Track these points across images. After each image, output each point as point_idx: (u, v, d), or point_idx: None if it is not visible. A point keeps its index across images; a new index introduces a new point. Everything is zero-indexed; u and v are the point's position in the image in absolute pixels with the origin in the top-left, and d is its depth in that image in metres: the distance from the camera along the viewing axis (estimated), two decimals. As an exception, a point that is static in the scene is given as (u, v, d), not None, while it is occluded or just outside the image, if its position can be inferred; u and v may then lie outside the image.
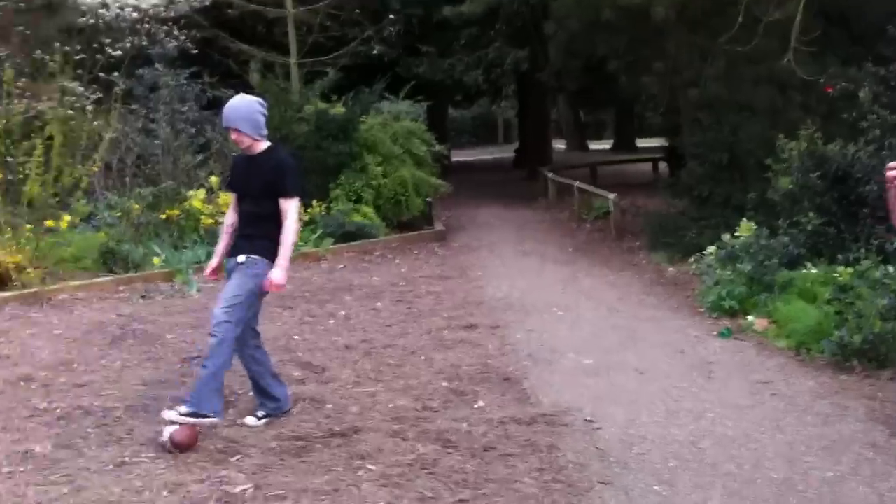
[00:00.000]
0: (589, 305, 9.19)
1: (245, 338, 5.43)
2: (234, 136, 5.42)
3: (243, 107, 5.42)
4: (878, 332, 6.40)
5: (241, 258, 5.34)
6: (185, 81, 13.80)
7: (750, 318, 7.93)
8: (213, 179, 12.26)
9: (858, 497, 4.42)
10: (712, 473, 4.77)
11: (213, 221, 11.22)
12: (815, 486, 4.57)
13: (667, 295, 9.67)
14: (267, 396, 5.60)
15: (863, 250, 7.71)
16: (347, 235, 13.05)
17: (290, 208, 5.33)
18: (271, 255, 5.31)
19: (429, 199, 15.46)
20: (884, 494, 4.43)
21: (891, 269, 6.92)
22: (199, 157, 13.31)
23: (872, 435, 5.24)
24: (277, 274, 5.27)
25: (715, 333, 7.83)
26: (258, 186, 5.38)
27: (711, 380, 6.50)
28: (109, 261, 10.13)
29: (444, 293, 9.90)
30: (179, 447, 5.01)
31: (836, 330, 6.61)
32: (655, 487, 4.61)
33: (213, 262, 5.70)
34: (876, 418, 5.44)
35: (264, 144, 5.47)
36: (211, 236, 10.69)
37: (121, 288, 9.75)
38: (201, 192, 11.89)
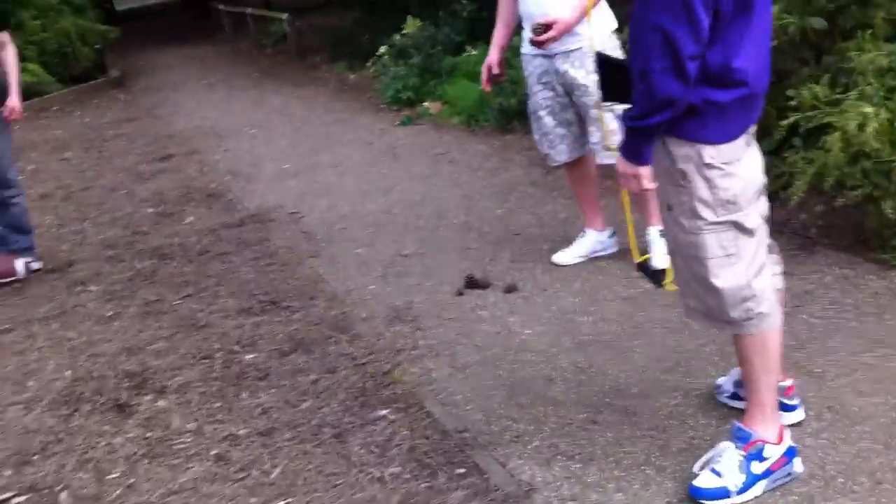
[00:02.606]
0: (280, 121, 9.53)
1: None
2: None
3: None
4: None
5: None
6: None
7: (425, 104, 8.63)
8: None
9: (524, 222, 5.25)
10: (404, 230, 5.43)
11: None
12: (490, 221, 5.36)
13: (351, 99, 10.19)
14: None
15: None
16: (18, 96, 12.34)
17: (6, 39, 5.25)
18: None
19: (98, 48, 14.83)
20: (542, 217, 5.29)
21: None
22: None
23: (532, 175, 6.11)
24: (16, 101, 5.23)
25: (397, 123, 8.48)
26: None
27: (397, 160, 7.16)
28: None
29: (133, 133, 9.86)
30: None
31: (496, 98, 7.41)
32: (357, 250, 5.22)
33: None
34: (535, 164, 6.30)
35: None
36: None
37: None
38: None
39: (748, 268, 2.51)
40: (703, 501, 2.59)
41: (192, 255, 5.51)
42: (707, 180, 2.44)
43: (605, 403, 3.23)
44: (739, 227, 2.48)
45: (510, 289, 4.30)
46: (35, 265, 5.47)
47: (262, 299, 4.64)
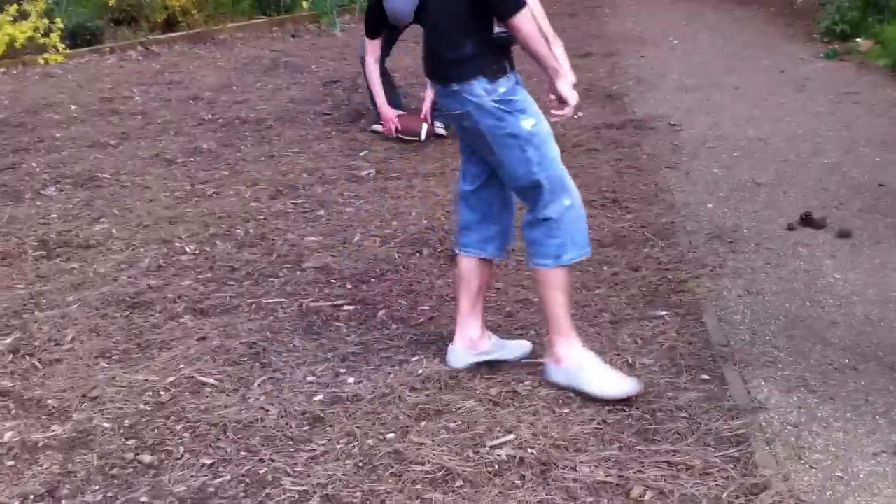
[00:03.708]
0: (706, 37, 9.53)
1: None
2: None
3: None
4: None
5: None
6: None
7: (858, 40, 8.17)
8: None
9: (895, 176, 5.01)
10: (770, 161, 5.42)
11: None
12: (861, 167, 5.17)
13: (786, 25, 9.85)
14: None
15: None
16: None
17: None
18: None
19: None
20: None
21: None
22: None
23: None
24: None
25: (820, 55, 8.15)
26: None
27: (801, 92, 6.98)
28: (263, 4, 11.07)
29: (568, 28, 10.39)
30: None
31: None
32: (715, 170, 5.33)
33: None
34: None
35: None
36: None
37: (273, 29, 10.72)
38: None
39: None
40: (914, 461, 2.57)
41: (566, 146, 5.93)
42: None
43: (874, 356, 3.20)
44: None
45: (843, 234, 4.23)
46: (440, 131, 6.23)
47: (606, 195, 4.97)
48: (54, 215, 4.92)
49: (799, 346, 3.31)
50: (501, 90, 2.89)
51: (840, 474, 2.59)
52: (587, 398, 3.01)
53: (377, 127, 6.29)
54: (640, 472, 2.64)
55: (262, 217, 4.88)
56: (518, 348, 3.31)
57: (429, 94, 6.05)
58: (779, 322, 3.50)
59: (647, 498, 2.54)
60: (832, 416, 2.86)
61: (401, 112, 6.17)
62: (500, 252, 3.23)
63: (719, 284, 3.85)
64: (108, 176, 5.62)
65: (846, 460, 2.65)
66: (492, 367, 3.24)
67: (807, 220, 4.38)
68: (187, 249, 4.43)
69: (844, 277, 3.83)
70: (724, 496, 2.51)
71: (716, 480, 2.58)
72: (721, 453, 2.70)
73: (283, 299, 3.88)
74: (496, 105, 2.88)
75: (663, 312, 3.63)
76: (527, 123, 2.90)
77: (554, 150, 2.96)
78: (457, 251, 3.24)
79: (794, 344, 3.33)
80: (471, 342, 3.21)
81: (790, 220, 4.45)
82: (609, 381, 3.01)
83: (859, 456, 2.66)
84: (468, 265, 3.20)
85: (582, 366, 3.03)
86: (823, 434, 2.78)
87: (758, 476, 2.58)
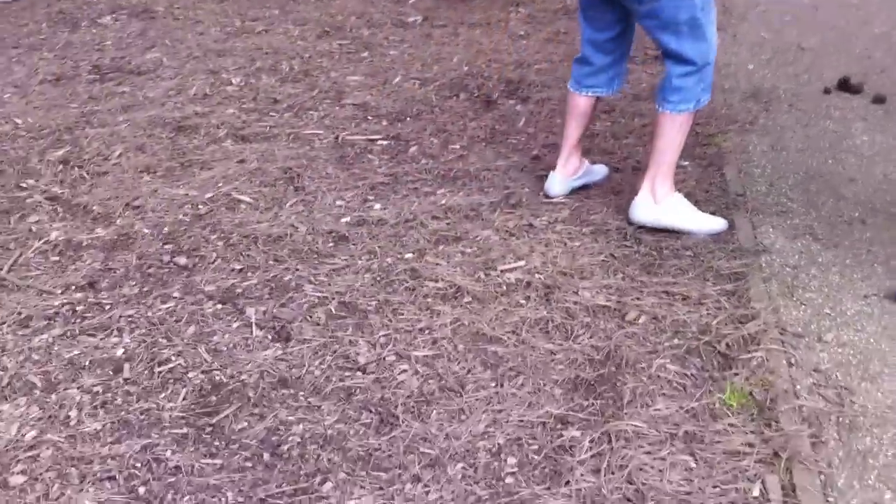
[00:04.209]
0: None
1: None
2: None
3: None
4: None
5: None
6: None
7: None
8: None
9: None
10: (819, 27, 5.37)
11: None
12: (910, 37, 5.11)
13: None
14: None
15: None
16: None
17: None
18: None
19: None
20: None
21: None
22: None
23: None
24: None
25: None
26: None
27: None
28: None
29: None
30: None
31: None
32: (762, 33, 5.30)
33: None
34: None
35: None
36: None
37: None
38: None
39: None
40: (898, 305, 2.70)
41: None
42: None
43: (885, 210, 3.28)
44: None
45: (878, 99, 4.24)
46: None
47: (648, 53, 4.96)
48: (109, 42, 5.09)
49: (813, 198, 3.40)
50: None
51: (828, 311, 2.73)
52: (598, 233, 3.15)
53: None
54: (637, 299, 2.80)
55: (307, 55, 4.99)
56: (599, 172, 3.55)
57: None
58: (797, 176, 3.57)
59: (640, 321, 2.70)
60: (832, 262, 2.98)
61: None
62: (619, 89, 3.37)
63: (746, 140, 3.91)
64: (162, 9, 5.75)
65: (837, 300, 2.78)
66: (512, 203, 3.39)
67: (844, 85, 4.38)
68: (233, 81, 4.58)
69: (871, 139, 3.87)
70: (713, 323, 2.66)
71: (708, 310, 2.73)
72: (718, 287, 2.84)
73: (320, 131, 4.04)
74: None
75: (686, 163, 3.71)
76: None
77: None
78: (580, 91, 3.31)
79: (809, 196, 3.41)
80: (574, 170, 3.42)
81: (829, 84, 4.45)
82: (702, 219, 3.18)
83: (850, 297, 2.79)
84: (587, 103, 3.33)
85: (677, 207, 3.18)
86: (820, 276, 2.91)
87: (749, 308, 2.73)
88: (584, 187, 3.48)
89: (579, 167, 3.44)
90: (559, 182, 3.41)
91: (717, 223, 3.17)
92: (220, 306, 2.76)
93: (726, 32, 5.32)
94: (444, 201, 3.40)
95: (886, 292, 2.78)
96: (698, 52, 2.99)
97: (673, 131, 3.10)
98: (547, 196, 3.41)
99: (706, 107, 4.18)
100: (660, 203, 3.15)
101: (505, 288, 2.87)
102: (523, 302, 2.80)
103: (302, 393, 2.39)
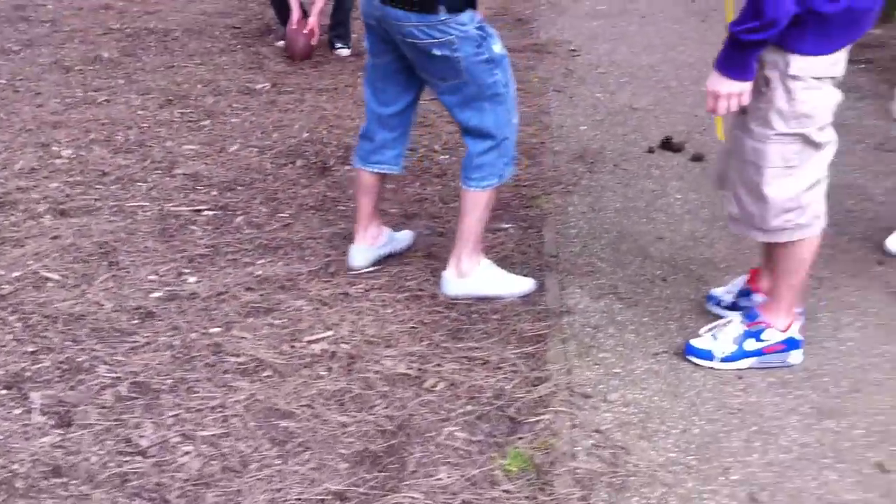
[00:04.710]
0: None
1: None
2: None
3: None
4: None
5: None
6: None
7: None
8: None
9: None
10: (652, 87, 5.57)
11: None
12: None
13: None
14: None
15: None
16: None
17: None
18: None
19: None
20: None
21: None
22: None
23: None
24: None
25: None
26: None
27: (704, 23, 7.10)
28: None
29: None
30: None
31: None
32: (598, 94, 5.46)
33: None
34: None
35: None
36: None
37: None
38: None
39: (801, 181, 2.53)
40: (689, 357, 2.78)
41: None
42: (788, 91, 2.43)
43: (687, 269, 3.40)
44: (807, 141, 2.50)
45: (696, 157, 4.40)
46: (343, 52, 6.29)
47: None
48: (-64, 118, 4.96)
49: (622, 258, 3.50)
50: (478, 18, 2.95)
51: (618, 370, 2.80)
52: (412, 299, 3.18)
53: (282, 43, 6.34)
54: (439, 365, 2.82)
55: (145, 125, 4.95)
56: (403, 239, 3.55)
57: (316, 7, 6.10)
58: (610, 236, 3.68)
59: (438, 388, 2.72)
60: (630, 321, 3.06)
61: (293, 26, 6.18)
62: (401, 166, 3.39)
63: (567, 201, 4.01)
64: (4, 82, 5.64)
65: (628, 359, 2.85)
66: (330, 271, 3.40)
67: (667, 144, 4.55)
68: (63, 153, 4.50)
69: (685, 197, 4.01)
70: (508, 387, 2.71)
71: (505, 374, 2.77)
72: (518, 350, 2.89)
73: (146, 203, 3.99)
74: (478, 32, 2.94)
75: (508, 225, 3.79)
76: (497, 48, 3.00)
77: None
78: (364, 167, 3.32)
79: (618, 256, 3.51)
80: (373, 239, 3.41)
81: (653, 143, 4.61)
82: (511, 282, 3.23)
83: (642, 355, 2.87)
84: (374, 179, 3.35)
85: (484, 275, 3.22)
86: (616, 335, 2.98)
87: (543, 370, 2.78)
88: (401, 254, 3.51)
89: (379, 235, 3.45)
90: (361, 253, 3.42)
91: (526, 284, 3.24)
92: (3, 392, 2.67)
93: (564, 94, 5.49)
94: (261, 272, 3.39)
95: (676, 350, 2.86)
96: (498, 126, 3.06)
97: (478, 208, 3.16)
98: (351, 269, 3.41)
99: (535, 169, 4.33)
100: (466, 276, 3.20)
101: (309, 360, 2.87)
102: (324, 373, 2.80)
103: (74, 481, 2.33)
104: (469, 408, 2.62)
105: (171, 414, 2.59)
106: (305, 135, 4.83)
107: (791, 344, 2.74)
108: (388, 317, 3.11)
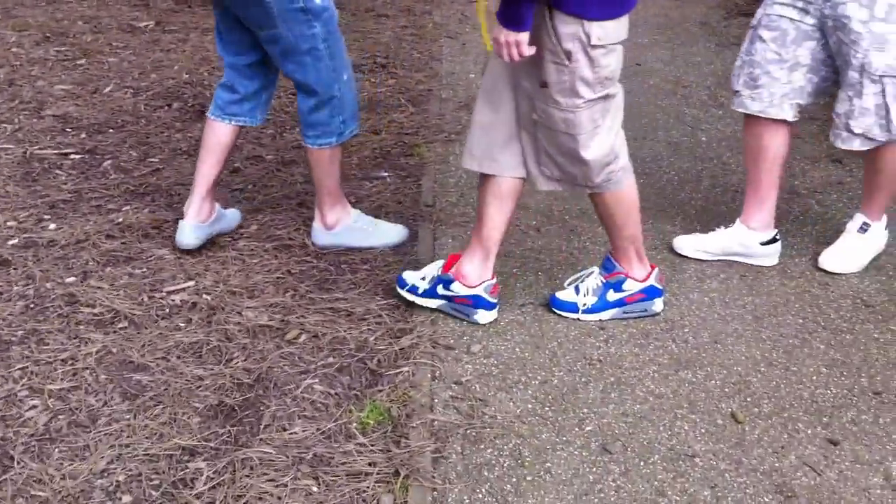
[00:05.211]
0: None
1: None
2: None
3: None
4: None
5: None
6: None
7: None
8: None
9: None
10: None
11: None
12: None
13: None
14: None
15: None
16: None
17: None
18: None
19: None
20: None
21: None
22: None
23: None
24: None
25: None
26: None
27: None
28: None
29: None
30: None
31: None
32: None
33: None
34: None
35: None
36: None
37: None
38: None
39: (609, 133, 2.55)
40: (554, 310, 2.78)
41: (358, 10, 5.90)
42: (591, 60, 2.43)
43: (562, 220, 3.39)
44: (607, 98, 2.51)
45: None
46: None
47: (377, 61, 5.00)
48: None
49: (498, 208, 3.46)
50: None
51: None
52: (281, 248, 3.11)
53: None
54: (302, 317, 2.77)
55: (18, 63, 4.72)
56: (233, 217, 3.28)
57: None
58: (488, 186, 3.64)
59: (301, 339, 2.67)
60: (499, 272, 3.02)
61: None
62: (263, 119, 3.20)
63: (449, 150, 3.97)
64: None
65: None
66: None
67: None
68: (-76, 92, 4.28)
69: (567, 147, 4.00)
70: (371, 339, 2.67)
71: (369, 325, 2.73)
72: (384, 302, 2.85)
73: (10, 146, 3.82)
74: None
75: (386, 174, 3.73)
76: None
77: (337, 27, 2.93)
78: (218, 119, 3.08)
79: (495, 206, 3.48)
80: (207, 215, 3.10)
81: (540, 92, 4.57)
82: (382, 232, 3.17)
83: (508, 307, 2.85)
84: (227, 133, 3.08)
85: (354, 226, 3.14)
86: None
87: (408, 322, 2.75)
88: (278, 202, 3.43)
89: (213, 211, 3.13)
90: (191, 230, 3.06)
91: (398, 234, 3.19)
92: None
93: (457, 41, 5.42)
94: (122, 219, 3.27)
95: (542, 302, 2.86)
96: (320, 83, 2.93)
97: (323, 164, 3.07)
98: (181, 246, 3.07)
99: (419, 117, 4.26)
100: (333, 228, 3.13)
101: (167, 311, 2.78)
102: (183, 325, 2.72)
103: None
104: (330, 360, 2.58)
105: (18, 367, 2.49)
106: (185, 76, 4.68)
107: (652, 292, 2.76)
108: (254, 267, 3.04)
